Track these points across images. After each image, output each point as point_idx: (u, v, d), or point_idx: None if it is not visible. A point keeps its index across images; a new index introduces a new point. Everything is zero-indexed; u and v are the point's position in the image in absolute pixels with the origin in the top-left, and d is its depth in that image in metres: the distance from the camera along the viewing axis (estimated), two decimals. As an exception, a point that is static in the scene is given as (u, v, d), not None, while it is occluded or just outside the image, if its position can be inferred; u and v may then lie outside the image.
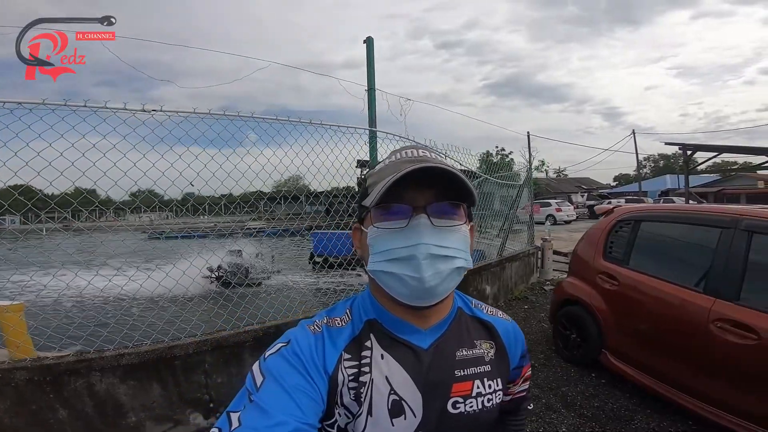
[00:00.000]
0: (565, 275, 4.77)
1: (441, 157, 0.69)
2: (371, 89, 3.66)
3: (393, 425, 0.62)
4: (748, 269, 2.45)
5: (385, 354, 0.65)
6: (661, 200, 22.89)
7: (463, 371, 0.68)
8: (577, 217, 21.49)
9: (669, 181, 32.55)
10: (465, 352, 0.70)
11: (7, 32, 2.80)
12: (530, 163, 7.82)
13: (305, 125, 3.09)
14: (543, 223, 11.87)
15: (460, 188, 0.61)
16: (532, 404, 0.94)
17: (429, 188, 0.61)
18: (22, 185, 2.79)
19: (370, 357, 0.65)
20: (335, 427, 0.63)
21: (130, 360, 2.47)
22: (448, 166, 0.61)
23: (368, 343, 0.66)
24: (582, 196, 31.77)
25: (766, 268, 2.49)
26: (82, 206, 3.26)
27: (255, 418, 0.54)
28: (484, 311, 0.80)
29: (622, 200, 22.42)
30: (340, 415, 0.62)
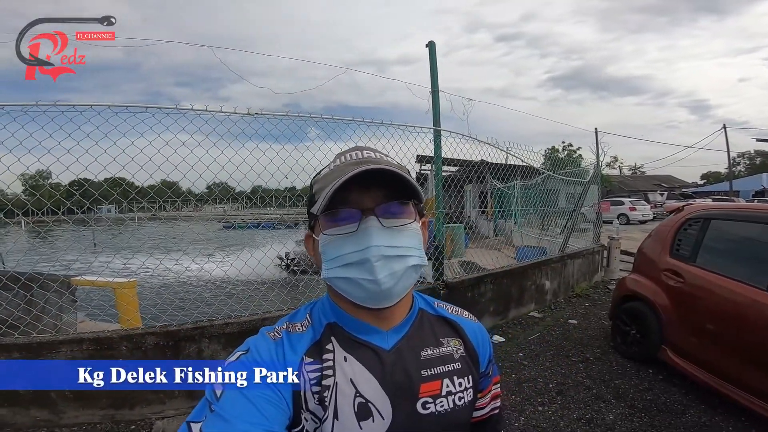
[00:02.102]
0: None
1: (387, 157, 0.69)
2: (435, 91, 3.93)
3: (361, 428, 0.61)
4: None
5: (348, 356, 0.64)
6: (755, 201, 20.44)
7: (430, 371, 0.67)
8: (654, 217, 19.84)
9: (765, 179, 28.88)
10: (430, 351, 0.69)
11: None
12: (598, 160, 7.54)
13: (377, 125, 3.46)
14: (611, 222, 11.27)
15: (406, 186, 0.62)
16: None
17: (375, 189, 0.61)
18: (116, 178, 3.19)
19: (333, 360, 0.64)
20: None
21: (232, 329, 2.96)
22: (391, 166, 0.61)
23: (330, 346, 0.65)
24: (661, 194, 29.14)
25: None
26: (166, 198, 3.62)
27: (218, 429, 0.53)
28: (449, 311, 0.79)
29: (709, 200, 20.36)
30: (306, 421, 0.61)
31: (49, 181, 3.36)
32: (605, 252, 7.44)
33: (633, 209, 20.42)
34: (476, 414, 0.77)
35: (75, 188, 3.25)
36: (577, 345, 4.13)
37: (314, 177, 0.70)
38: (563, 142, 27.40)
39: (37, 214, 3.20)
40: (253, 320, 3.01)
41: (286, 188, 3.82)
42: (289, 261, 8.36)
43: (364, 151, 0.66)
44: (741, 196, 25.41)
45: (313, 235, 0.68)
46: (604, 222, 11.66)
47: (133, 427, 2.82)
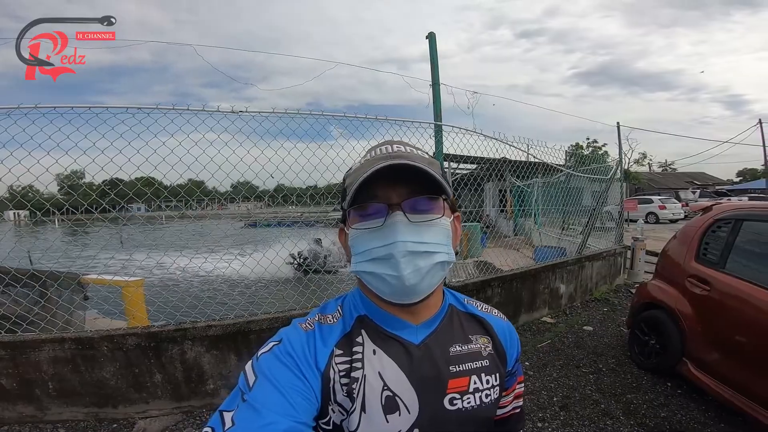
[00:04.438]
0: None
1: (418, 151, 0.67)
2: (435, 84, 3.72)
3: (387, 422, 0.61)
4: None
5: (377, 349, 0.64)
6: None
7: (459, 367, 0.67)
8: (685, 215, 18.93)
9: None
10: (459, 348, 0.69)
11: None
12: (620, 156, 7.13)
13: (371, 121, 3.29)
14: (636, 221, 10.75)
15: (432, 181, 0.60)
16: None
17: (403, 184, 0.60)
18: (146, 177, 3.18)
19: (362, 353, 0.64)
20: (331, 425, 0.61)
21: (216, 332, 2.87)
22: (418, 161, 0.59)
23: (359, 339, 0.65)
24: (693, 192, 27.73)
25: None
26: (193, 196, 3.67)
27: (248, 418, 0.53)
28: (478, 308, 0.78)
29: (745, 198, 19.19)
30: (334, 412, 0.61)
31: (83, 181, 3.42)
32: (629, 253, 7.03)
33: (663, 207, 19.54)
34: (498, 412, 0.77)
35: (108, 188, 3.34)
36: (590, 354, 3.84)
37: (347, 171, 0.69)
38: (587, 139, 26.52)
39: (73, 212, 3.26)
40: (237, 323, 2.89)
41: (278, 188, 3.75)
42: (300, 260, 8.34)
43: (395, 146, 0.66)
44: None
45: (345, 229, 0.67)
46: (631, 221, 11.09)
47: (115, 425, 2.77)
